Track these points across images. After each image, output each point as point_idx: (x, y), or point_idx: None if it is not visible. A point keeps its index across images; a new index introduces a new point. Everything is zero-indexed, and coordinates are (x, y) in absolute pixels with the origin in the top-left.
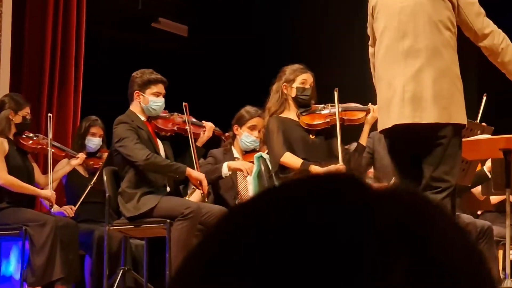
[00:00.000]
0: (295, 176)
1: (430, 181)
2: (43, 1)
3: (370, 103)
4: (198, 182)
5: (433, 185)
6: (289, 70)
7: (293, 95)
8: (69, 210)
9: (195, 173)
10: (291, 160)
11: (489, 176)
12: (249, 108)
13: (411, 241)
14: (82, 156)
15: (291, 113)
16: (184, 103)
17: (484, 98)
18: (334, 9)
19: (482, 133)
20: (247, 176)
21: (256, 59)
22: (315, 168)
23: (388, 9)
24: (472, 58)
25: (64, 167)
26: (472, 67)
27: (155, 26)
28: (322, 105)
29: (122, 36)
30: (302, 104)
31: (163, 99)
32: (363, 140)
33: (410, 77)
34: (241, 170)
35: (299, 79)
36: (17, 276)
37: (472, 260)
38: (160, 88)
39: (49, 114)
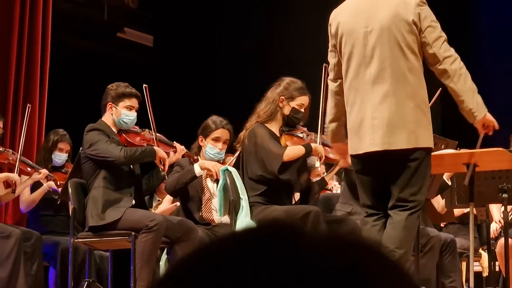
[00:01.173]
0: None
1: (397, 202)
2: (8, 10)
3: None
4: (161, 160)
5: (399, 205)
6: (292, 86)
7: (287, 112)
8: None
9: (160, 152)
10: (294, 151)
11: (449, 183)
12: (215, 118)
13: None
14: (44, 171)
15: (275, 126)
16: (144, 85)
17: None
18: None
19: (446, 147)
20: (214, 178)
21: (221, 69)
22: (313, 146)
23: (353, 35)
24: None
25: (25, 181)
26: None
27: (121, 36)
28: (304, 131)
29: (88, 46)
30: (288, 125)
31: (135, 114)
32: (329, 177)
33: (377, 103)
34: (210, 171)
35: (298, 100)
36: None
37: None
38: (134, 102)
39: (23, 120)
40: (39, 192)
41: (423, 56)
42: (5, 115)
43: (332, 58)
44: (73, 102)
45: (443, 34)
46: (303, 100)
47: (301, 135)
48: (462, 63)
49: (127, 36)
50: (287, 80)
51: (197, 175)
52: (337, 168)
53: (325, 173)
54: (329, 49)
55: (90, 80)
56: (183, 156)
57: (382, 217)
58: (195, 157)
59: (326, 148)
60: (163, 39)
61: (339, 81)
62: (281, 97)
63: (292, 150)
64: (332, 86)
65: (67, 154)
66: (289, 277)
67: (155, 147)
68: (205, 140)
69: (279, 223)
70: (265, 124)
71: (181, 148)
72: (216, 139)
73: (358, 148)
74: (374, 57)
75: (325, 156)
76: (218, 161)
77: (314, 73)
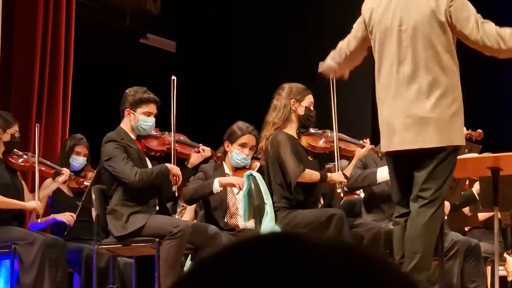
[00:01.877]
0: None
1: (419, 192)
2: (32, 18)
3: (367, 139)
4: (175, 177)
5: (420, 196)
6: (296, 88)
7: (301, 113)
8: (70, 218)
9: (174, 168)
10: (310, 176)
11: (477, 198)
12: (241, 124)
13: None
14: (66, 171)
15: (292, 130)
16: (172, 77)
17: None
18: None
19: (470, 151)
20: (239, 191)
21: (244, 74)
22: (329, 176)
23: (386, 33)
24: None
25: (49, 185)
26: None
27: (143, 42)
28: (318, 130)
29: (110, 52)
30: (305, 124)
31: (153, 119)
32: (348, 171)
33: (410, 102)
34: (233, 185)
35: (307, 99)
36: None
37: None
38: (152, 108)
39: (36, 124)
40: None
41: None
42: (29, 121)
43: (354, 36)
44: (95, 108)
45: (477, 18)
46: (310, 99)
47: (317, 132)
48: (499, 35)
49: (150, 42)
50: (287, 85)
51: (215, 192)
52: (354, 161)
53: (345, 168)
54: (356, 25)
55: (112, 87)
56: (209, 158)
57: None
58: (219, 155)
59: (342, 143)
60: (186, 45)
61: (347, 54)
62: (292, 100)
63: (309, 175)
64: (339, 49)
65: (85, 158)
66: (295, 282)
67: (168, 165)
68: (231, 145)
69: (285, 232)
70: (283, 130)
71: (207, 150)
72: (243, 145)
73: (389, 145)
74: (408, 57)
75: (342, 148)
76: (244, 167)
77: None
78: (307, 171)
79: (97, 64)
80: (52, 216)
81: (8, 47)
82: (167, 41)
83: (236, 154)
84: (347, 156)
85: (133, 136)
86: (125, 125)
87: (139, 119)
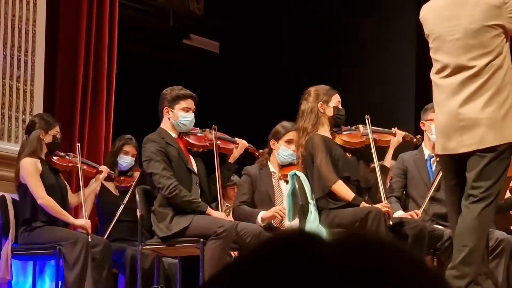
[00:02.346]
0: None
1: (471, 190)
2: (75, 21)
3: (395, 127)
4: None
5: (472, 194)
6: (321, 90)
7: (331, 114)
8: (87, 226)
9: (216, 214)
10: (343, 191)
11: None
12: (285, 123)
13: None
14: (104, 169)
15: (325, 132)
16: (213, 126)
17: None
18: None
19: None
20: (283, 217)
21: (288, 75)
22: (364, 205)
23: (440, 38)
24: None
25: (91, 184)
26: None
27: (187, 43)
28: (350, 127)
29: (154, 53)
30: (336, 124)
31: (192, 115)
32: (387, 162)
33: (464, 104)
34: (275, 217)
35: (333, 99)
36: None
37: None
38: (190, 103)
39: (77, 147)
40: (91, 195)
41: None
42: (73, 123)
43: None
44: (139, 110)
45: None
46: (337, 98)
47: (351, 129)
48: None
49: (193, 43)
50: (312, 89)
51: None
52: (391, 151)
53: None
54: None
55: (156, 87)
56: (247, 152)
57: None
58: (260, 151)
59: (376, 134)
60: (229, 45)
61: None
62: (319, 103)
63: (342, 190)
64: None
65: (133, 158)
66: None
67: (209, 209)
68: (277, 143)
69: (300, 233)
70: (317, 133)
71: (242, 143)
72: (289, 141)
73: (445, 148)
74: (463, 62)
75: (377, 139)
76: (291, 163)
77: (381, 63)
78: (342, 186)
79: (141, 65)
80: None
81: (52, 49)
82: (210, 42)
83: (283, 150)
84: (384, 146)
85: (174, 135)
86: (165, 124)
87: (178, 116)
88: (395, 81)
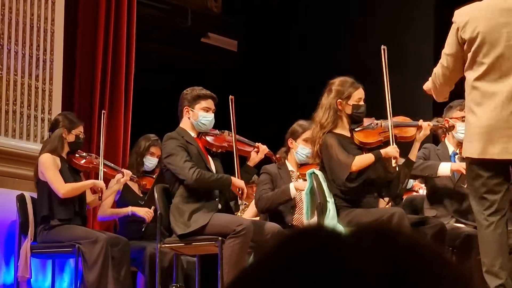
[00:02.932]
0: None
1: None
2: (94, 19)
3: (421, 120)
4: (239, 189)
5: None
6: (343, 85)
7: (349, 112)
8: (148, 214)
9: (237, 181)
10: (363, 160)
11: None
12: (302, 122)
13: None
14: (127, 172)
15: (343, 129)
16: (230, 96)
17: None
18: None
19: None
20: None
21: (306, 73)
22: (384, 152)
23: (494, 45)
24: None
25: (112, 187)
26: None
27: (205, 41)
28: (373, 120)
29: (172, 52)
30: (355, 121)
31: (212, 115)
32: (413, 156)
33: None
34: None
35: (354, 96)
36: None
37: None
38: (210, 103)
39: (102, 113)
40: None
41: None
42: (91, 122)
43: (452, 53)
44: (157, 108)
45: None
46: (360, 94)
47: (370, 125)
48: None
49: (211, 41)
50: (336, 82)
51: (292, 197)
52: (417, 145)
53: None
54: (450, 41)
55: (174, 86)
56: (266, 157)
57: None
58: (278, 156)
59: (397, 129)
60: (247, 44)
61: (457, 75)
62: (338, 100)
63: (361, 160)
64: (447, 72)
65: (157, 159)
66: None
67: (232, 177)
68: (295, 142)
69: (320, 230)
70: (334, 131)
71: (263, 148)
72: (307, 140)
73: (485, 153)
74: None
75: (400, 136)
76: (308, 162)
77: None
78: (358, 157)
79: (159, 64)
80: (131, 209)
81: (71, 47)
82: (228, 40)
83: (301, 149)
84: (405, 142)
85: (193, 134)
86: (184, 124)
87: (198, 115)
88: (412, 77)
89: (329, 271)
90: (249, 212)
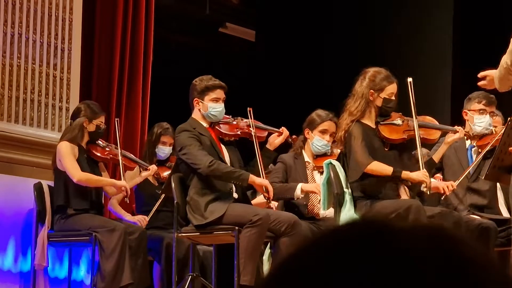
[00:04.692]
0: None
1: None
2: (112, 9)
3: (460, 127)
4: (264, 188)
5: None
6: (378, 77)
7: (379, 104)
8: (143, 221)
9: (258, 180)
10: (380, 168)
11: None
12: (320, 111)
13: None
14: (153, 168)
15: (370, 120)
16: (248, 108)
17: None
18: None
19: None
20: (320, 168)
21: (326, 63)
22: (406, 174)
23: None
24: None
25: (134, 177)
26: None
27: (222, 31)
28: (400, 116)
29: (190, 41)
30: (383, 114)
31: (222, 105)
32: (437, 157)
33: None
34: (314, 192)
35: (388, 90)
36: (87, 282)
37: None
38: (219, 93)
39: (116, 119)
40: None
41: None
42: (109, 111)
43: None
44: (175, 98)
45: None
46: (392, 89)
47: (396, 122)
48: None
49: (229, 31)
50: (371, 71)
51: (295, 198)
52: (445, 147)
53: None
54: None
55: (192, 75)
56: (287, 142)
57: None
58: (293, 136)
59: (423, 130)
60: (266, 33)
61: None
62: (371, 90)
63: (378, 167)
64: (506, 71)
65: (170, 148)
66: (390, 277)
67: (252, 176)
68: (311, 132)
69: (374, 220)
70: (361, 120)
71: (286, 132)
72: (324, 131)
73: None
74: None
75: (423, 137)
76: (325, 153)
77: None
78: (377, 163)
79: (177, 53)
80: (123, 215)
81: (89, 36)
82: (246, 30)
83: (317, 140)
84: (427, 144)
85: (205, 124)
86: (196, 115)
87: (208, 107)
88: (430, 72)
89: (381, 259)
90: (258, 199)
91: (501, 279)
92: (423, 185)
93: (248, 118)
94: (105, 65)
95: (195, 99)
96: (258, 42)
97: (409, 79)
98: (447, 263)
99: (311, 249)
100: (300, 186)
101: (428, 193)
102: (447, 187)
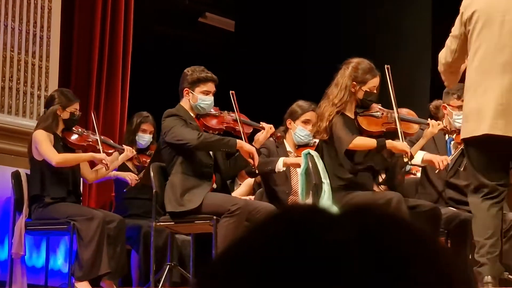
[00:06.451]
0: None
1: None
2: None
3: (430, 119)
4: (249, 154)
5: None
6: (361, 68)
7: (360, 97)
8: (132, 178)
9: (247, 146)
10: (364, 142)
11: None
12: (301, 102)
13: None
14: (129, 149)
15: (350, 111)
16: (231, 91)
17: None
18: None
19: None
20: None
21: (303, 53)
22: (390, 143)
23: (488, 21)
24: None
25: (113, 162)
26: None
27: (202, 21)
28: (380, 108)
29: (169, 31)
30: (363, 106)
31: (212, 98)
32: (414, 151)
33: (505, 90)
34: (298, 166)
35: (370, 83)
36: (65, 270)
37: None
38: (210, 86)
39: (93, 111)
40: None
41: None
42: (88, 100)
43: (454, 44)
44: (154, 87)
45: None
46: (375, 82)
47: (375, 114)
48: None
49: (208, 21)
50: (354, 62)
51: (277, 171)
52: (423, 141)
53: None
54: (452, 34)
55: (171, 65)
56: (271, 136)
57: (498, 203)
58: (278, 134)
59: (402, 125)
60: (245, 24)
61: (456, 65)
62: (353, 82)
63: (362, 141)
64: (446, 67)
65: (151, 135)
66: (324, 261)
67: (240, 141)
68: (294, 123)
69: (313, 208)
70: (344, 112)
71: (268, 127)
72: (306, 122)
73: (475, 131)
74: (507, 47)
75: (408, 133)
76: (307, 144)
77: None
78: (360, 138)
79: (156, 43)
80: (114, 174)
81: (68, 24)
82: (226, 20)
83: (300, 130)
84: (406, 137)
85: (192, 114)
86: (184, 103)
87: (197, 98)
88: (410, 63)
89: (309, 245)
90: (239, 190)
91: (434, 259)
92: (404, 155)
93: (234, 112)
94: (84, 53)
95: (186, 89)
96: (237, 32)
97: (387, 66)
98: (372, 250)
99: (236, 249)
100: (282, 159)
101: (409, 163)
102: (442, 161)
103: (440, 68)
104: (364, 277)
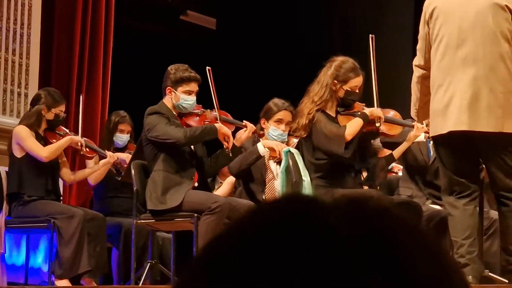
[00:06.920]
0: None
1: (502, 191)
2: None
3: (415, 122)
4: (225, 137)
5: (505, 195)
6: (344, 67)
7: (341, 95)
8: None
9: (223, 128)
10: (353, 126)
11: None
12: (276, 100)
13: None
14: (111, 155)
15: (331, 109)
16: (207, 68)
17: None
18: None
19: None
20: (277, 159)
21: (284, 51)
22: (368, 110)
23: (448, 17)
24: None
25: (92, 167)
26: None
27: (184, 19)
28: (362, 108)
29: (151, 29)
30: (344, 106)
31: (194, 98)
32: (397, 153)
33: (467, 85)
34: (274, 150)
35: (352, 82)
36: (45, 268)
37: (436, 266)
38: (193, 86)
39: (80, 98)
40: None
41: None
42: (68, 97)
43: (422, 45)
44: (135, 85)
45: None
46: (357, 82)
47: (357, 114)
48: None
49: (190, 19)
50: (337, 61)
51: (261, 154)
52: (407, 144)
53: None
54: (419, 36)
55: (153, 63)
56: (252, 133)
57: (472, 201)
58: (260, 132)
59: (385, 126)
60: (226, 22)
61: (429, 65)
62: (334, 81)
63: (352, 126)
64: (419, 72)
65: (128, 135)
66: (311, 248)
67: (217, 124)
68: (267, 122)
69: (297, 198)
70: (324, 110)
71: (251, 126)
72: (279, 121)
73: (442, 128)
74: (467, 40)
75: (383, 132)
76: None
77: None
78: (348, 125)
79: (137, 41)
80: (115, 155)
81: (48, 22)
82: (207, 18)
83: (273, 130)
84: (387, 138)
85: (174, 113)
86: (167, 101)
87: (180, 98)
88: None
89: (299, 233)
90: (222, 189)
91: (426, 253)
92: (377, 120)
93: (216, 111)
94: (65, 51)
95: (168, 87)
96: (218, 30)
97: (371, 35)
98: (371, 241)
99: (232, 234)
100: (260, 143)
101: (380, 128)
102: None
103: (414, 79)
104: (360, 273)
